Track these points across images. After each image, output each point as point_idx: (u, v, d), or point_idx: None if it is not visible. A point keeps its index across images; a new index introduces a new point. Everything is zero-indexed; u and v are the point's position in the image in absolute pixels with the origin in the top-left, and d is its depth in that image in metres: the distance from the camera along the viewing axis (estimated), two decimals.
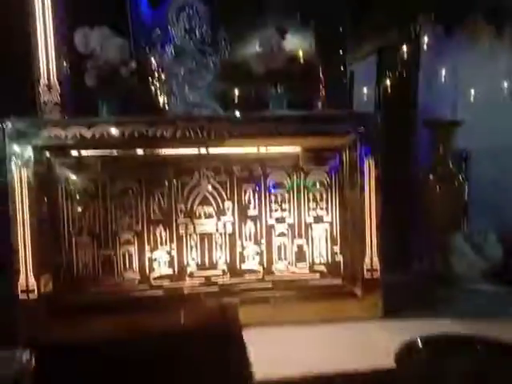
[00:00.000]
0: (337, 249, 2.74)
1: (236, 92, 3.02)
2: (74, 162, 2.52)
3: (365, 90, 3.93)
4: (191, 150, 2.59)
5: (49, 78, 2.83)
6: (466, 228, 3.73)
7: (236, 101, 3.04)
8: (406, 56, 5.11)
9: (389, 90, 6.06)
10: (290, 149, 2.69)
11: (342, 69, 3.22)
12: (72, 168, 2.52)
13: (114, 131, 2.44)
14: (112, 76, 2.70)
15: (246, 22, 4.18)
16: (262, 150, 2.65)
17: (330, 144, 2.69)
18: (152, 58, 2.90)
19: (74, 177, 2.53)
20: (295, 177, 2.69)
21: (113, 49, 2.67)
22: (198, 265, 2.64)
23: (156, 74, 2.95)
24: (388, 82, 5.69)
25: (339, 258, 2.74)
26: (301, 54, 3.02)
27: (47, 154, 2.47)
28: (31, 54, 2.84)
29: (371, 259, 2.68)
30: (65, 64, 2.91)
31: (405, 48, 4.97)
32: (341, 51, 3.17)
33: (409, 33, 4.60)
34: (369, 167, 2.65)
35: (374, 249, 2.69)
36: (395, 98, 5.67)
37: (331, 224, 2.74)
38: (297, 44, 3.10)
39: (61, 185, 2.52)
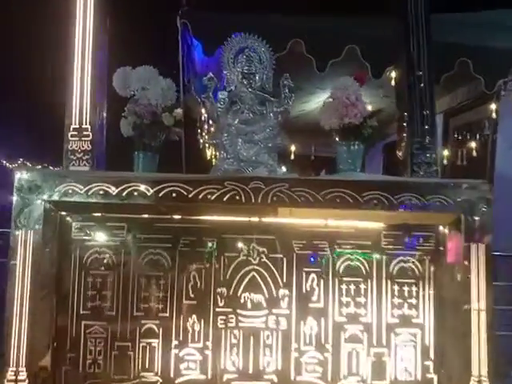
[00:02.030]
0: (430, 364, 1.98)
1: (296, 148, 2.47)
2: (94, 224, 2.01)
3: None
4: (240, 218, 2.02)
5: (80, 123, 2.43)
6: None
7: (297, 159, 2.47)
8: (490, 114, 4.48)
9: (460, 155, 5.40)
10: (370, 224, 2.05)
11: (428, 126, 2.60)
12: (91, 231, 2.01)
13: (145, 190, 1.92)
14: (152, 124, 2.25)
15: (312, 70, 3.80)
16: (332, 222, 2.03)
17: (425, 220, 2.03)
18: (202, 105, 2.43)
19: (91, 242, 2.01)
20: (375, 261, 2.03)
21: (156, 91, 2.24)
22: (238, 371, 1.97)
23: (205, 124, 2.47)
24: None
25: (432, 376, 1.98)
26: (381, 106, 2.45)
27: (62, 212, 1.97)
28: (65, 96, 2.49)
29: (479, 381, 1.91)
30: (101, 108, 2.53)
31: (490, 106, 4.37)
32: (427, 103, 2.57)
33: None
34: (477, 252, 1.95)
35: (482, 362, 1.92)
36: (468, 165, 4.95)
37: (423, 328, 2.02)
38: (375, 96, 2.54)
39: (75, 252, 2.00)
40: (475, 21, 3.75)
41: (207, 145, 2.42)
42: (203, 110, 2.42)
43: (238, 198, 1.94)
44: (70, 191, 1.94)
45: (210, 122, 2.45)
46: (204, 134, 2.51)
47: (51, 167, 2.03)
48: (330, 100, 2.33)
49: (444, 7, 3.31)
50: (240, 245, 2.01)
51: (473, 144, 4.32)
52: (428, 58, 2.60)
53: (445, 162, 4.33)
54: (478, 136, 4.86)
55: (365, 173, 2.44)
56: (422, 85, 2.53)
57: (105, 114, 2.58)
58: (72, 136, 2.46)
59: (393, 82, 3.84)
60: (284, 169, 2.34)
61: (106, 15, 2.68)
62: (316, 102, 5.93)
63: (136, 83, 2.26)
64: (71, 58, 2.49)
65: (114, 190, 1.94)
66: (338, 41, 3.59)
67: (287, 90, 2.41)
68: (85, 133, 2.46)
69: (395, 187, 1.99)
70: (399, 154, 2.63)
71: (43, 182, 1.94)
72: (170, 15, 3.48)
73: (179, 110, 2.35)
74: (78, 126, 2.46)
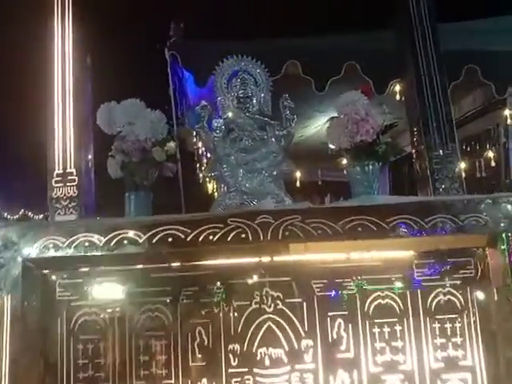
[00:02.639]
0: None
1: (300, 175, 2.22)
2: (81, 280, 1.74)
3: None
4: (248, 259, 1.75)
5: (65, 167, 2.21)
6: None
7: (300, 185, 2.23)
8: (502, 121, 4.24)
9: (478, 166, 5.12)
10: (399, 253, 1.77)
11: (447, 137, 2.35)
12: (78, 290, 1.74)
13: (136, 236, 1.67)
14: (142, 162, 2.02)
15: (310, 92, 3.60)
16: (355, 256, 1.75)
17: (462, 244, 1.75)
18: (197, 137, 2.21)
19: (79, 302, 1.74)
20: (409, 297, 1.74)
21: (145, 125, 2.02)
22: None
23: (203, 157, 2.24)
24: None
25: None
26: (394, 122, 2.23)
27: (43, 270, 1.71)
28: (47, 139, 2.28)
29: None
30: (87, 149, 2.31)
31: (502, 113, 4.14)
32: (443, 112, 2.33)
33: None
34: None
35: None
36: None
37: (473, 371, 1.71)
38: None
39: (61, 315, 1.73)
40: (480, 28, 3.60)
41: (207, 179, 2.18)
42: (199, 143, 2.18)
43: (243, 236, 1.67)
44: (51, 245, 1.68)
45: (208, 154, 2.20)
46: (202, 167, 2.30)
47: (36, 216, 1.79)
48: (336, 117, 2.10)
49: (447, 16, 3.15)
50: (251, 291, 1.72)
51: (490, 153, 4.07)
52: (438, 66, 2.40)
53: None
54: (490, 145, 4.64)
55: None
56: (436, 94, 2.32)
57: (91, 155, 2.38)
58: (56, 182, 2.25)
59: (397, 96, 3.66)
60: (290, 199, 2.07)
61: (87, 50, 2.51)
62: (315, 126, 5.76)
63: (122, 118, 2.04)
64: (51, 97, 2.30)
65: (100, 240, 1.68)
66: (335, 58, 3.43)
67: (288, 112, 2.19)
68: (70, 177, 2.25)
69: (424, 209, 1.72)
70: (417, 168, 2.39)
71: (20, 238, 1.69)
72: (157, 47, 3.32)
73: (172, 144, 2.12)
74: (61, 171, 2.25)
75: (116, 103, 2.15)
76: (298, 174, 4.28)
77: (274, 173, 2.07)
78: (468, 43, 3.49)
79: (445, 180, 2.23)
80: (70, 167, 2.25)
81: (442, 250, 1.76)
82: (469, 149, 5.82)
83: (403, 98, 3.06)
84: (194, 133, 2.32)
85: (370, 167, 2.09)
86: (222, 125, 2.12)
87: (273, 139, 2.14)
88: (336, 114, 5.50)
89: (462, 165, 2.62)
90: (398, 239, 1.70)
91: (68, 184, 2.23)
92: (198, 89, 3.43)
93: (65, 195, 2.23)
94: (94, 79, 2.55)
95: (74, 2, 2.43)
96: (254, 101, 2.20)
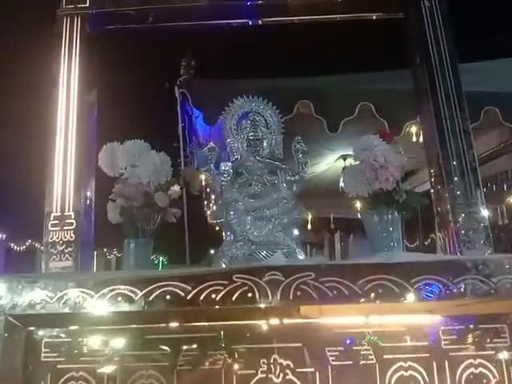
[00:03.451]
0: None
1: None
2: (69, 340, 1.57)
3: None
4: (254, 322, 1.57)
5: (62, 210, 2.08)
6: None
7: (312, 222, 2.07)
8: None
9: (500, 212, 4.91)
10: (424, 318, 1.58)
11: (472, 184, 2.18)
12: (65, 351, 1.57)
13: (131, 293, 1.50)
14: (144, 207, 1.89)
15: (320, 130, 3.48)
16: (374, 319, 1.57)
17: (495, 309, 1.56)
18: (203, 180, 2.08)
19: (66, 365, 1.56)
20: (436, 368, 1.54)
21: (148, 168, 1.90)
22: None
23: (210, 200, 2.10)
24: None
25: None
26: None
27: (28, 327, 1.55)
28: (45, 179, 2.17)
29: None
30: (88, 190, 2.19)
31: None
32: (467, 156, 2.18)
33: None
34: None
35: None
36: None
37: None
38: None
39: (45, 380, 1.55)
40: (498, 68, 3.50)
41: (214, 225, 2.04)
42: (206, 186, 2.05)
43: (250, 295, 1.50)
44: (38, 300, 1.53)
45: (214, 198, 2.06)
46: (209, 212, 2.17)
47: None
48: (352, 162, 1.96)
49: (465, 56, 3.06)
50: (257, 358, 1.53)
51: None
52: (460, 109, 2.27)
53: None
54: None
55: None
56: (459, 138, 2.18)
57: (92, 197, 2.25)
58: (53, 226, 2.11)
59: (414, 138, 3.53)
60: (302, 251, 1.89)
61: (94, 87, 2.44)
62: (325, 163, 5.66)
63: (124, 160, 1.92)
64: (52, 134, 2.20)
65: (92, 295, 1.52)
66: (349, 99, 3.32)
67: (301, 155, 2.06)
68: (68, 221, 2.12)
69: (452, 268, 1.54)
70: (438, 220, 2.22)
71: (4, 291, 1.54)
72: (167, 85, 3.26)
73: (176, 187, 1.98)
74: (59, 214, 2.12)
75: (119, 144, 2.03)
76: (310, 217, 4.11)
77: (285, 221, 1.92)
78: (485, 84, 3.38)
79: (469, 232, 2.05)
80: (69, 210, 2.12)
81: (472, 315, 1.57)
82: (485, 190, 5.65)
83: (420, 140, 2.93)
84: (200, 172, 2.18)
85: (390, 216, 1.93)
86: (230, 168, 1.99)
87: (284, 184, 2.00)
88: (347, 152, 5.37)
89: (487, 213, 2.44)
90: (422, 302, 1.52)
91: (65, 228, 2.10)
92: (208, 128, 3.35)
93: (61, 240, 2.09)
94: (100, 116, 2.47)
95: (81, 39, 2.38)
96: (265, 143, 2.08)
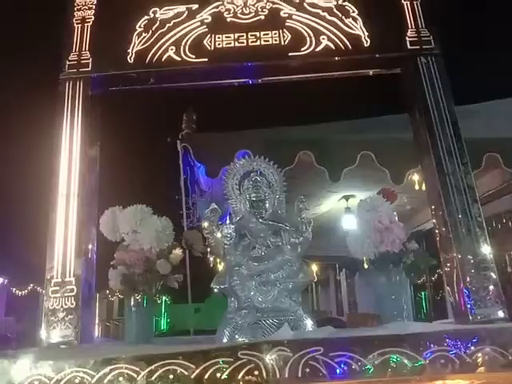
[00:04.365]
0: None
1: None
2: None
3: None
4: None
5: (63, 276, 2.04)
6: None
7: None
8: None
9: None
10: None
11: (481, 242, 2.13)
12: None
13: (133, 372, 1.45)
14: (145, 273, 1.85)
15: (324, 176, 3.45)
16: None
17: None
18: (205, 242, 2.05)
19: None
20: None
21: (150, 235, 1.87)
22: None
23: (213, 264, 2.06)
24: None
25: None
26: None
27: None
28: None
29: None
30: (89, 254, 2.16)
31: None
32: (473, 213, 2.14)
33: None
34: None
35: None
36: None
37: None
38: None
39: None
40: (497, 109, 3.51)
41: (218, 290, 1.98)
42: (208, 250, 2.02)
43: (256, 373, 1.44)
44: (37, 382, 1.47)
45: (217, 261, 2.02)
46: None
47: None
48: (356, 225, 1.93)
49: (463, 98, 3.07)
50: None
51: None
52: (461, 161, 2.26)
53: None
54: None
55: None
56: (462, 190, 2.15)
57: (94, 262, 2.21)
58: (53, 292, 2.06)
59: (416, 186, 3.53)
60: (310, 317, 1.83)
61: (96, 143, 2.44)
62: (328, 204, 5.65)
63: (125, 226, 1.90)
64: (54, 193, 2.19)
65: (93, 376, 1.46)
66: (350, 148, 3.33)
67: (304, 215, 2.02)
68: (68, 287, 2.07)
69: (466, 338, 1.48)
70: (446, 279, 2.15)
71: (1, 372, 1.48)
72: (168, 140, 3.29)
73: (178, 251, 1.95)
74: (60, 280, 2.08)
75: (121, 208, 2.02)
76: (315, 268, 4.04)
77: (290, 285, 1.86)
78: (487, 128, 3.38)
79: (479, 290, 1.99)
80: (69, 276, 2.08)
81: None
82: (490, 228, 5.58)
83: (423, 187, 2.92)
84: (202, 233, 2.14)
85: (398, 278, 1.88)
86: (233, 231, 1.96)
87: (288, 246, 1.95)
88: (349, 193, 5.33)
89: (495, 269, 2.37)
90: (436, 375, 1.45)
91: (66, 294, 2.05)
92: (210, 179, 3.35)
93: (62, 307, 2.04)
94: (101, 173, 2.47)
95: (83, 100, 2.41)
96: (267, 204, 2.05)
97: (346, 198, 5.38)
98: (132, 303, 1.93)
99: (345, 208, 5.34)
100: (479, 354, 1.47)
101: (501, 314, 1.96)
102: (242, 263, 1.92)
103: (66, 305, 2.04)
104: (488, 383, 1.47)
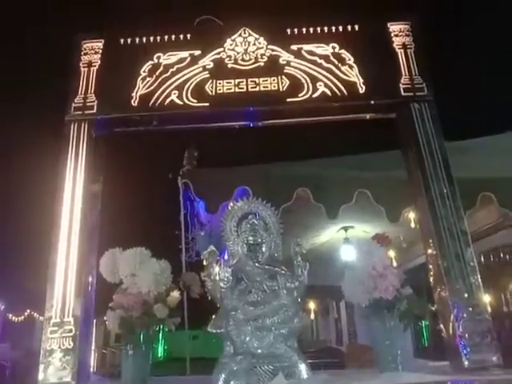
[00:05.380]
0: None
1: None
2: None
3: None
4: None
5: (62, 316, 2.07)
6: None
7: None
8: None
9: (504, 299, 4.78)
10: None
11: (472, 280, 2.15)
12: None
13: None
14: (143, 316, 1.88)
15: (326, 214, 3.48)
16: None
17: None
18: (203, 285, 2.08)
19: None
20: None
21: (148, 278, 1.91)
22: None
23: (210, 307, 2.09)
24: None
25: None
26: None
27: None
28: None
29: None
30: (88, 295, 2.19)
31: None
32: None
33: None
34: None
35: None
36: None
37: None
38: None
39: None
40: (490, 146, 3.57)
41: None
42: (206, 292, 2.04)
43: None
44: None
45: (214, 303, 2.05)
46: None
47: None
48: (351, 270, 1.97)
49: (456, 134, 3.13)
50: None
51: None
52: (455, 205, 2.31)
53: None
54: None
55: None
56: (454, 233, 2.19)
57: (92, 303, 2.24)
58: (52, 332, 2.09)
59: (412, 224, 3.57)
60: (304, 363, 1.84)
61: (98, 180, 2.50)
62: (327, 234, 5.68)
63: (125, 269, 1.94)
64: (55, 238, 2.24)
65: None
66: (346, 186, 3.39)
67: (300, 259, 2.06)
68: (67, 327, 2.10)
69: None
70: (441, 324, 2.17)
71: None
72: (170, 176, 3.36)
73: (176, 294, 1.99)
74: (59, 320, 2.11)
75: (121, 249, 2.06)
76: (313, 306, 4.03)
77: (286, 331, 1.88)
78: (483, 165, 3.43)
79: (474, 336, 2.01)
80: (68, 316, 2.11)
81: None
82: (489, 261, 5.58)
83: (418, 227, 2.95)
84: (199, 278, 2.17)
85: (392, 323, 1.90)
86: (229, 275, 1.99)
87: (284, 291, 1.98)
88: (348, 224, 5.34)
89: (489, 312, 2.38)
90: None
91: (64, 335, 2.08)
92: (209, 215, 3.40)
93: (60, 347, 2.06)
94: (103, 210, 2.52)
95: (88, 140, 2.49)
96: (264, 248, 2.10)
97: (345, 228, 5.41)
98: (128, 347, 1.94)
99: (343, 239, 5.37)
100: None
101: (495, 359, 1.98)
102: (238, 307, 1.94)
103: (63, 345, 2.06)
104: None
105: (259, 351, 1.82)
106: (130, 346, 1.95)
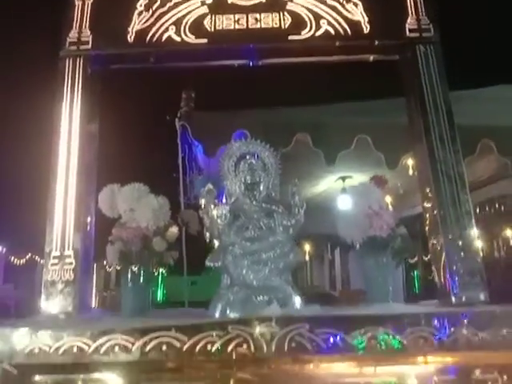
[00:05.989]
0: None
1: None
2: None
3: None
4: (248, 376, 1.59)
5: (62, 249, 2.11)
6: None
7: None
8: None
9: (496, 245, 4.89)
10: (418, 369, 1.60)
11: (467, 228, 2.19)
12: None
13: (128, 343, 1.53)
14: (142, 251, 1.92)
15: (324, 160, 3.48)
16: (369, 370, 1.59)
17: (488, 359, 1.58)
18: (201, 222, 2.11)
19: None
20: None
21: (147, 213, 1.93)
22: None
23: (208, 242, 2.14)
24: None
25: None
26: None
27: (27, 376, 1.57)
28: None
29: None
30: (88, 229, 2.22)
31: None
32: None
33: None
34: None
35: None
36: None
37: None
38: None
39: None
40: (493, 96, 3.52)
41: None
42: (204, 229, 2.08)
43: (245, 346, 1.53)
44: (37, 350, 1.55)
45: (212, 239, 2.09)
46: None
47: None
48: (346, 209, 1.99)
49: (458, 83, 3.06)
50: None
51: (508, 232, 3.88)
52: (453, 148, 2.30)
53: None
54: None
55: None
56: (453, 179, 2.20)
57: (92, 236, 2.28)
58: (52, 265, 2.14)
59: (410, 171, 3.57)
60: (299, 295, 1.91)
61: (95, 119, 2.47)
62: (325, 184, 5.71)
63: (123, 204, 1.96)
64: (53, 174, 2.24)
65: (90, 345, 1.55)
66: (346, 131, 3.36)
67: (297, 199, 2.08)
68: (67, 260, 2.15)
69: (447, 320, 1.57)
70: (434, 266, 2.21)
71: (2, 341, 1.56)
72: (168, 118, 3.32)
73: (174, 229, 2.02)
74: (59, 254, 2.15)
75: (119, 185, 2.08)
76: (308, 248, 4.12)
77: (281, 265, 1.94)
78: (483, 114, 3.39)
79: (465, 276, 2.06)
80: (68, 249, 2.15)
81: (465, 365, 1.59)
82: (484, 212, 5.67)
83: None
84: (197, 213, 2.20)
85: (385, 260, 1.95)
86: (227, 212, 2.02)
87: (280, 228, 2.02)
88: (346, 174, 5.35)
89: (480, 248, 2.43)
90: (415, 355, 1.54)
91: (65, 267, 2.13)
92: (207, 158, 3.40)
93: (61, 279, 2.12)
94: (101, 150, 2.51)
95: (83, 77, 2.43)
96: (262, 187, 2.11)
97: (343, 178, 5.42)
98: (129, 278, 2.00)
99: (341, 188, 5.40)
100: (456, 336, 1.55)
101: (482, 297, 2.04)
102: (235, 243, 1.99)
103: (64, 277, 2.11)
104: (463, 362, 1.56)
105: (255, 283, 1.89)
106: (129, 278, 2.00)
